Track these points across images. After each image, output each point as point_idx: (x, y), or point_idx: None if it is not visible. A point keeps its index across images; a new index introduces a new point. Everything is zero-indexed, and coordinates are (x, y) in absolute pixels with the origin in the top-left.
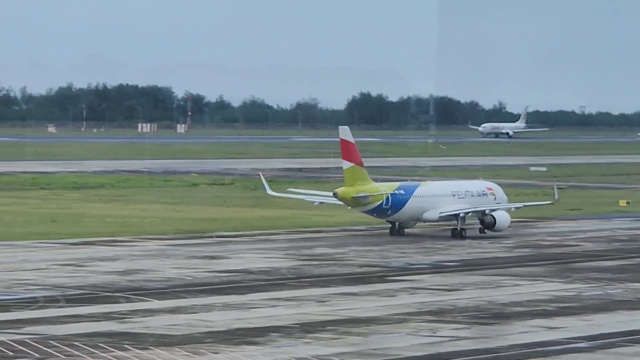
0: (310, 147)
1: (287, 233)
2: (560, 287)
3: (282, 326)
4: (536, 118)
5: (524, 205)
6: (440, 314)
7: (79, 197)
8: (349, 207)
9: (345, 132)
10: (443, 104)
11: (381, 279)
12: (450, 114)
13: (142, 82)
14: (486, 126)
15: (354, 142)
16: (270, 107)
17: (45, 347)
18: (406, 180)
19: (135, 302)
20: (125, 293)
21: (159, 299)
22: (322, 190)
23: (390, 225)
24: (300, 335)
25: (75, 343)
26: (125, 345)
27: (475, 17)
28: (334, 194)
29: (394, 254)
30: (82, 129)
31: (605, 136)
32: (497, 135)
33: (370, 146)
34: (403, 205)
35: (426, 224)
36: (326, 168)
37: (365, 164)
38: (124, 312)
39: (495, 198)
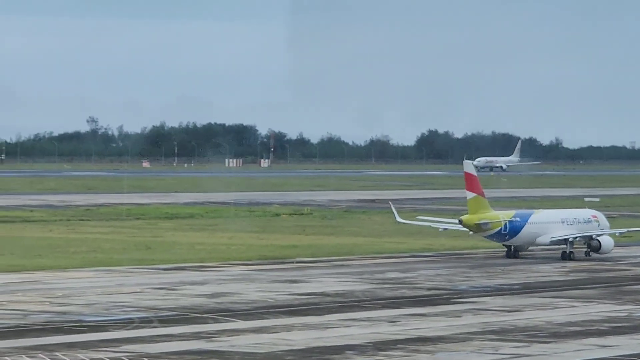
0: (382, 180)
1: (361, 259)
2: (612, 309)
3: (356, 344)
4: (591, 153)
5: (628, 231)
6: (501, 333)
7: (171, 226)
8: (470, 233)
9: (468, 166)
10: (504, 140)
11: (447, 300)
12: (509, 150)
13: (228, 120)
14: (480, 160)
15: (476, 175)
16: (346, 144)
17: None
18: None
19: (222, 322)
20: (213, 314)
21: (244, 320)
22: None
23: (506, 248)
24: (373, 353)
25: None
26: None
27: (531, 59)
28: (459, 221)
29: (460, 277)
30: (174, 164)
31: None
32: (491, 168)
33: (437, 179)
34: (519, 231)
35: (538, 247)
36: (396, 200)
37: (436, 195)
38: (212, 332)
39: (599, 224)
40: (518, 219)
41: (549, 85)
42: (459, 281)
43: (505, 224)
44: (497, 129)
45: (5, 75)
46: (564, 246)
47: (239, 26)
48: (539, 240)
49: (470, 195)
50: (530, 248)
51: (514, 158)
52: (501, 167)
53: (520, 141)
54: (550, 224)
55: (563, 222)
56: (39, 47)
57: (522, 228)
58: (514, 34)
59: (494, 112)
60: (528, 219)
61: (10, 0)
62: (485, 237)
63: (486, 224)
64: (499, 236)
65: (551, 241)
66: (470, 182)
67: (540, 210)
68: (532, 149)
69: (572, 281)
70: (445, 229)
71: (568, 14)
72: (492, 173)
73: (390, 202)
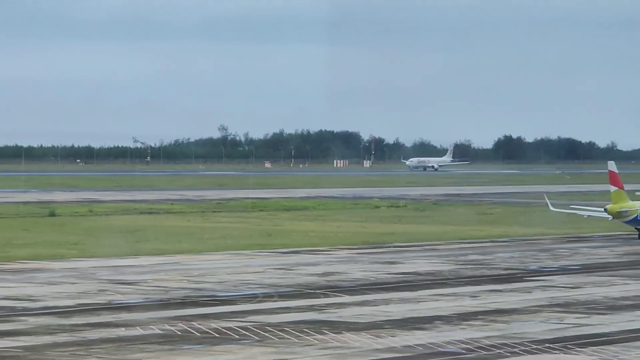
0: (464, 177)
1: (447, 244)
2: None
3: (443, 315)
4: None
5: None
6: (565, 306)
7: (289, 216)
8: (611, 218)
9: (612, 165)
10: (568, 144)
11: (520, 278)
12: (572, 152)
13: (336, 128)
14: (413, 160)
15: (617, 172)
16: (434, 147)
17: (262, 332)
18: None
19: (331, 297)
20: (323, 290)
21: (349, 295)
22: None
23: (638, 232)
24: (457, 323)
25: (286, 329)
26: (324, 330)
27: (592, 72)
28: (604, 209)
29: (530, 259)
30: (291, 165)
31: None
32: (424, 168)
33: (512, 177)
34: None
35: None
36: (478, 194)
37: (510, 190)
38: (323, 304)
39: None
40: None
41: (605, 94)
42: (530, 262)
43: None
44: (562, 134)
45: (152, 90)
46: None
47: (337, 50)
48: None
49: (613, 188)
50: None
51: (446, 158)
52: (433, 166)
53: (452, 144)
54: None
55: None
56: (181, 67)
57: None
58: (574, 52)
59: (559, 119)
60: None
61: (172, 29)
62: (624, 222)
63: (626, 211)
64: (636, 222)
65: None
66: (613, 178)
67: None
68: (591, 151)
69: (627, 262)
70: (589, 215)
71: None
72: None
73: (545, 195)
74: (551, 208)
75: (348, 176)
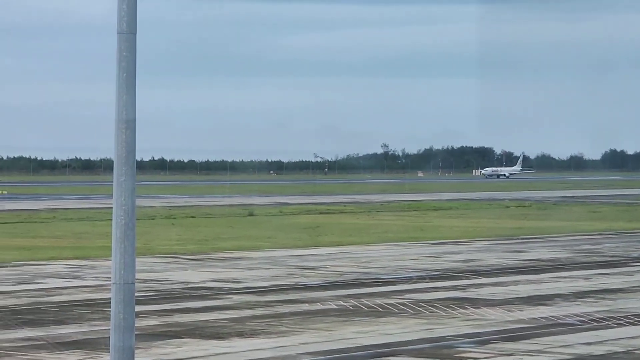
0: (578, 183)
1: (564, 236)
2: None
3: (562, 294)
4: None
5: None
6: None
7: (437, 215)
8: None
9: None
10: None
11: (624, 264)
12: None
13: (475, 143)
14: (487, 169)
15: None
16: (553, 158)
17: (416, 307)
18: None
19: (471, 279)
20: (465, 273)
21: (486, 277)
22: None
23: None
24: (573, 300)
25: (435, 304)
26: (466, 305)
27: None
28: None
29: (633, 249)
30: (439, 174)
31: None
32: (498, 176)
33: (617, 182)
34: None
35: None
36: (589, 196)
37: (616, 193)
38: (464, 285)
39: None
40: None
41: None
42: (633, 251)
43: None
44: None
45: (329, 116)
46: None
47: (472, 81)
48: None
49: None
50: None
51: (516, 168)
52: (504, 174)
53: (522, 154)
54: None
55: None
56: (351, 97)
57: None
58: None
59: None
60: None
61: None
62: None
63: None
64: None
65: None
66: None
67: None
68: None
69: None
70: None
71: None
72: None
73: None
74: None
75: (483, 182)
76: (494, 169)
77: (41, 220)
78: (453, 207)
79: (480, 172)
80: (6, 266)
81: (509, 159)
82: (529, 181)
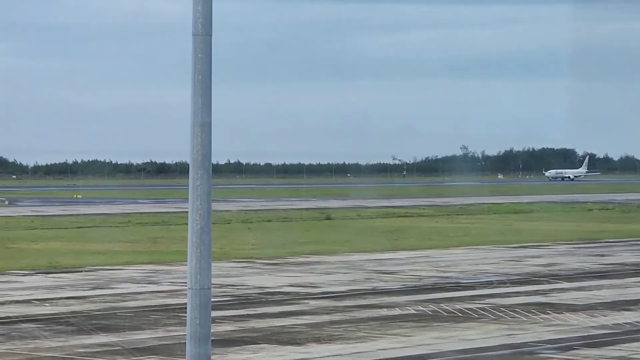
0: None
1: None
2: None
3: None
4: None
5: None
6: None
7: (517, 218)
8: None
9: None
10: None
11: None
12: None
13: (556, 145)
14: (551, 172)
15: None
16: (638, 160)
17: (497, 312)
18: None
19: (553, 283)
20: (546, 278)
21: (568, 282)
22: None
23: None
24: None
25: (516, 309)
26: (547, 311)
27: None
28: None
29: None
30: (519, 176)
31: None
32: (562, 178)
33: None
34: None
35: None
36: None
37: None
38: (546, 290)
39: None
40: None
41: None
42: None
43: None
44: None
45: (407, 118)
46: None
47: (553, 84)
48: None
49: None
50: None
51: (582, 170)
52: (569, 177)
53: (587, 156)
54: None
55: None
56: (428, 99)
57: None
58: None
59: None
60: None
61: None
62: None
63: None
64: None
65: None
66: None
67: None
68: None
69: None
70: None
71: None
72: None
73: None
74: None
75: (565, 185)
76: (558, 171)
77: (116, 224)
78: (534, 210)
79: (544, 174)
80: (81, 271)
81: (591, 161)
82: (611, 183)
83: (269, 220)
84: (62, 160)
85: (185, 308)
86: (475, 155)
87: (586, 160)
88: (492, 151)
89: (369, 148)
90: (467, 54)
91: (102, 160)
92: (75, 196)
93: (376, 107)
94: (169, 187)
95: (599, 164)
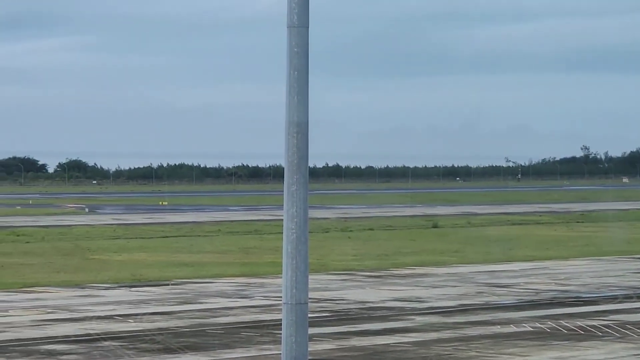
0: None
1: None
2: None
3: None
4: None
5: None
6: None
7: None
8: None
9: None
10: None
11: None
12: None
13: None
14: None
15: None
16: None
17: (623, 329)
18: None
19: None
20: None
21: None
22: None
23: None
24: None
25: None
26: None
27: None
28: None
29: None
30: None
31: None
32: None
33: None
34: None
35: None
36: None
37: None
38: None
39: None
40: None
41: None
42: None
43: None
44: None
45: (521, 115)
46: None
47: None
48: None
49: None
50: None
51: None
52: None
53: None
54: None
55: None
56: (545, 95)
57: None
58: None
59: None
60: None
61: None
62: None
63: None
64: None
65: None
66: None
67: None
68: None
69: None
70: None
71: None
72: None
73: None
74: None
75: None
76: None
77: (205, 233)
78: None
79: (622, 179)
80: (167, 284)
81: None
82: None
83: (371, 229)
84: (147, 164)
85: (280, 325)
86: (598, 156)
87: None
88: (617, 152)
89: (480, 149)
90: (589, 46)
91: (190, 164)
92: (160, 203)
93: (488, 104)
94: (262, 192)
95: None
